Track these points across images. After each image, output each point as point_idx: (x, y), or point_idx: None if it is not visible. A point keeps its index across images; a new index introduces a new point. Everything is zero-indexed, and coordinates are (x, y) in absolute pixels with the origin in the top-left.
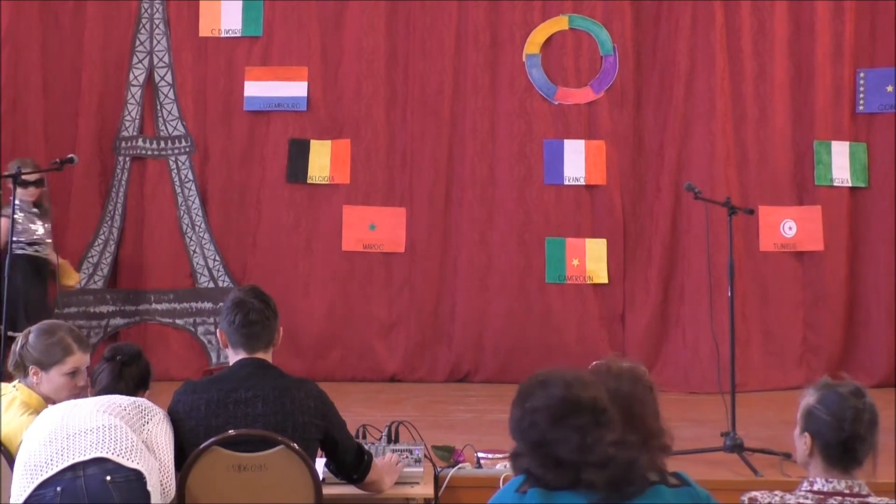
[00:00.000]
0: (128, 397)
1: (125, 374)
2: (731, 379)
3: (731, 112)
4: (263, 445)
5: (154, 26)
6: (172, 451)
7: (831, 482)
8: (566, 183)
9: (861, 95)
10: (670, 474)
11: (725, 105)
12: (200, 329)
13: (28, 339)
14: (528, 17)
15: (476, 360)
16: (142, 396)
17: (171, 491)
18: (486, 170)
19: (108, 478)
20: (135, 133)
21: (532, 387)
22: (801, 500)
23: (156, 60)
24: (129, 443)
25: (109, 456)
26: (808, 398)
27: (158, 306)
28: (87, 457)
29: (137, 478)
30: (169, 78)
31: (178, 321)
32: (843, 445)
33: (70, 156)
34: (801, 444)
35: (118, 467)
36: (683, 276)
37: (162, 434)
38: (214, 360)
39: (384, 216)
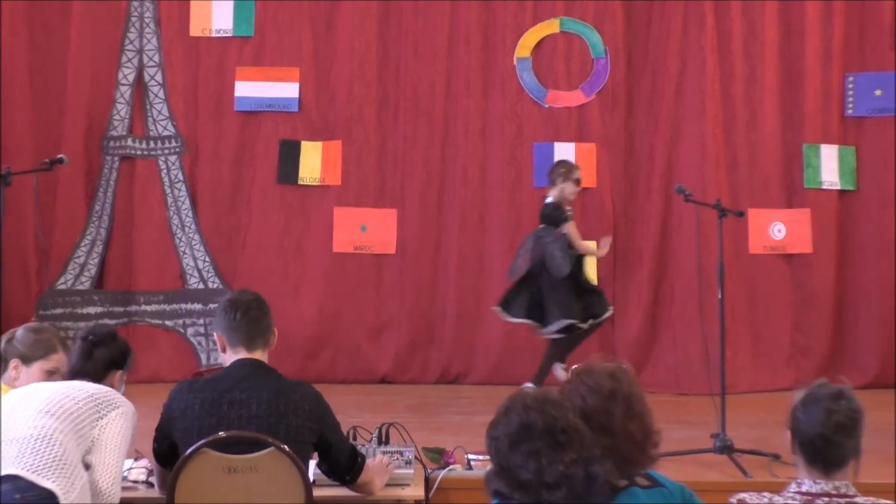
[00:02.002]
0: (91, 386)
1: (95, 354)
2: (720, 380)
3: (721, 114)
4: (255, 447)
5: (144, 25)
6: (124, 450)
7: (818, 483)
8: None
9: (850, 99)
10: (641, 475)
11: (716, 107)
12: (190, 330)
13: (15, 334)
14: (520, 20)
15: (467, 362)
16: (116, 378)
17: (114, 493)
18: (478, 172)
19: (18, 496)
20: (124, 132)
21: (499, 414)
22: (789, 502)
23: (146, 60)
24: (52, 457)
25: (23, 474)
26: (796, 399)
27: (147, 307)
28: (4, 472)
29: (50, 498)
30: (159, 77)
31: (167, 323)
32: (813, 446)
33: (59, 156)
34: (789, 443)
35: (30, 485)
36: (674, 277)
37: (116, 431)
38: (205, 361)
39: (375, 218)
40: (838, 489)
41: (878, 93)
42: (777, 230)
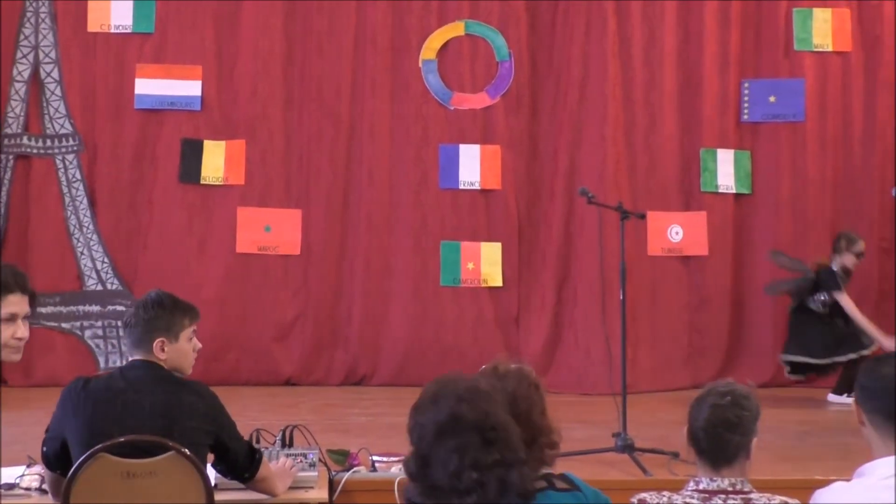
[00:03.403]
0: None
1: None
2: (622, 381)
3: (622, 119)
4: (153, 451)
5: (39, 21)
6: None
7: (715, 480)
8: (461, 187)
9: (745, 105)
10: (558, 476)
11: (617, 112)
12: (88, 333)
13: None
14: (425, 22)
15: (372, 363)
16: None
17: None
18: (384, 173)
19: None
20: (19, 130)
21: (426, 398)
22: (688, 500)
23: (42, 56)
24: None
25: None
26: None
27: (43, 310)
28: None
29: None
30: (56, 74)
31: (63, 325)
32: (696, 438)
33: None
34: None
35: None
36: (577, 279)
37: None
38: (103, 364)
39: (280, 218)
40: (734, 486)
41: (772, 99)
42: (675, 233)
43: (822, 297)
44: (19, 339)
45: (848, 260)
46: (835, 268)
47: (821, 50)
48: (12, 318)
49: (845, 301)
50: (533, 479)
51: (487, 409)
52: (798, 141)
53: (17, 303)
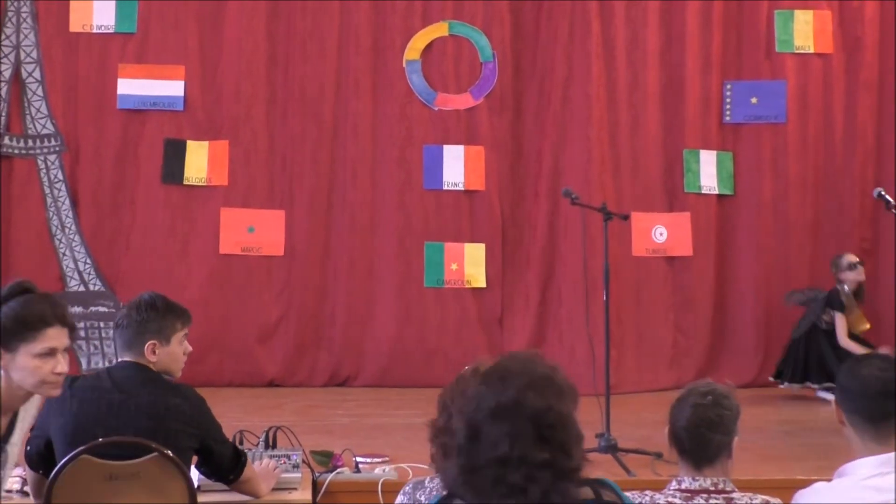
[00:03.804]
0: None
1: None
2: (605, 381)
3: (606, 119)
4: (136, 453)
5: (21, 20)
6: None
7: (697, 480)
8: (445, 188)
9: (728, 106)
10: (598, 482)
11: (601, 113)
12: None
13: None
14: (409, 23)
15: (356, 365)
16: None
17: None
18: (367, 173)
19: None
20: (1, 131)
21: (496, 372)
22: (670, 499)
23: (23, 56)
24: None
25: None
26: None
27: None
28: None
29: None
30: (37, 74)
31: None
32: (678, 438)
33: None
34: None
35: None
36: (561, 280)
37: None
38: (85, 365)
39: (263, 219)
40: (716, 485)
41: (753, 100)
42: (659, 233)
43: (826, 317)
44: (59, 374)
45: (846, 277)
46: (846, 288)
47: (802, 52)
48: (52, 353)
49: (839, 321)
50: (579, 489)
51: (553, 403)
52: (779, 142)
53: (56, 336)
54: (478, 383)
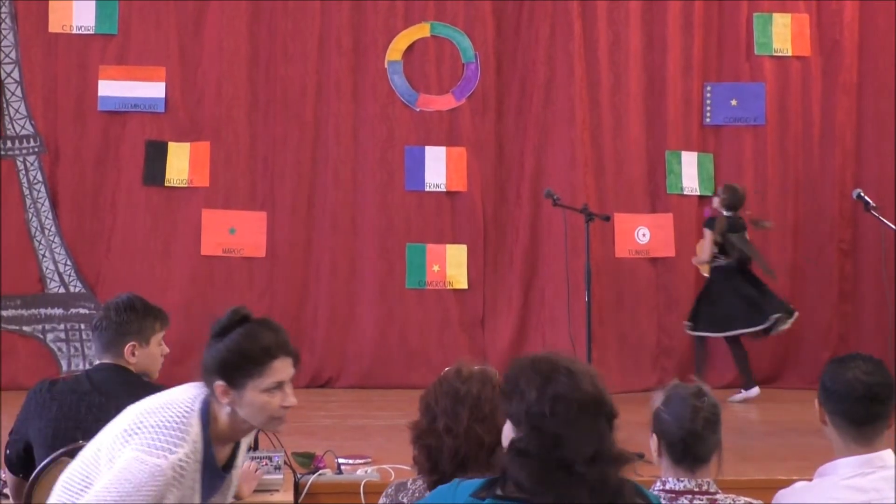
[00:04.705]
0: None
1: None
2: None
3: (588, 121)
4: None
5: (0, 21)
6: None
7: (682, 481)
8: (427, 189)
9: (708, 108)
10: (640, 494)
11: (584, 114)
12: (50, 336)
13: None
14: (391, 23)
15: (338, 366)
16: None
17: None
18: (349, 175)
19: None
20: None
21: (553, 370)
22: None
23: (2, 56)
24: None
25: None
26: (656, 400)
27: (4, 312)
28: None
29: None
30: (16, 75)
31: (25, 328)
32: (683, 443)
33: None
34: (652, 444)
35: None
36: (543, 281)
37: None
38: (65, 368)
39: (245, 220)
40: (701, 486)
41: (733, 102)
42: (642, 234)
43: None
44: (286, 407)
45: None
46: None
47: (780, 55)
48: (279, 386)
49: (706, 235)
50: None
51: (609, 396)
52: (759, 144)
53: (282, 369)
54: (537, 388)
